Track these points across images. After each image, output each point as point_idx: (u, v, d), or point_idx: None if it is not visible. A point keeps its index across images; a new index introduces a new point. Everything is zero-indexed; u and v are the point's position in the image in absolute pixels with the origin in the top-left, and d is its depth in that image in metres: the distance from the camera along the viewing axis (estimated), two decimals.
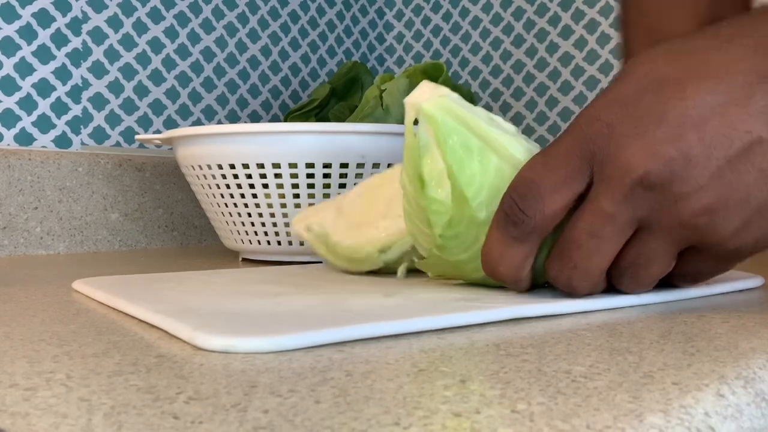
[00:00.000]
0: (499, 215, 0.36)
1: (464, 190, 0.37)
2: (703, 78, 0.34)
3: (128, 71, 0.88)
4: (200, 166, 0.64)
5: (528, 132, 1.07)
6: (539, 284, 0.40)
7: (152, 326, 0.32)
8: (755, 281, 0.45)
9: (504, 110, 1.09)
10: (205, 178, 0.64)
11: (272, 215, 0.62)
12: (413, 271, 0.47)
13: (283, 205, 0.62)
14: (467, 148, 0.37)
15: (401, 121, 0.65)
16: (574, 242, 0.35)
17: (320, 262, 0.63)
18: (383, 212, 0.48)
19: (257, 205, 0.62)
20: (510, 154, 0.37)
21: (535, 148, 0.39)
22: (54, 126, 0.82)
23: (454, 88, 0.72)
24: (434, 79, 0.71)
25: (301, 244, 0.63)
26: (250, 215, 0.63)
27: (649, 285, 0.37)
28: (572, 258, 0.35)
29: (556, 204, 0.35)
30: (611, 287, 0.38)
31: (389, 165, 0.62)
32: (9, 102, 0.78)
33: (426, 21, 1.18)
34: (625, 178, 0.34)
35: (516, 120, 1.08)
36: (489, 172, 0.37)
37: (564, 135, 0.36)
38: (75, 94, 0.83)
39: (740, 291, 0.44)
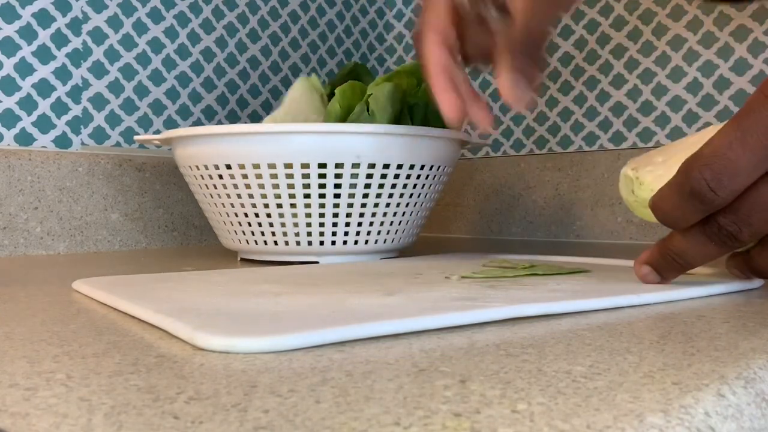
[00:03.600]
0: (683, 185, 0.36)
1: None
2: None
3: (128, 71, 0.88)
4: (197, 167, 0.64)
5: (528, 132, 1.07)
6: None
7: (152, 326, 0.32)
8: (755, 282, 0.45)
9: (504, 110, 1.09)
10: (203, 178, 0.64)
11: (269, 215, 0.62)
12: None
13: (279, 206, 0.62)
14: None
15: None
16: (757, 217, 0.36)
17: (318, 262, 0.63)
18: None
19: (254, 205, 0.62)
20: None
21: None
22: (54, 126, 0.82)
23: None
24: (420, 79, 0.70)
25: (298, 243, 0.63)
26: (246, 215, 0.63)
27: None
28: (753, 223, 0.36)
29: (748, 182, 0.35)
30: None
31: (385, 165, 0.62)
32: (9, 102, 0.78)
33: None
34: None
35: (516, 120, 1.08)
36: None
37: (762, 104, 0.34)
38: (75, 94, 0.83)
39: (740, 291, 0.44)
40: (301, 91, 0.67)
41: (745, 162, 0.34)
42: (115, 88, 0.87)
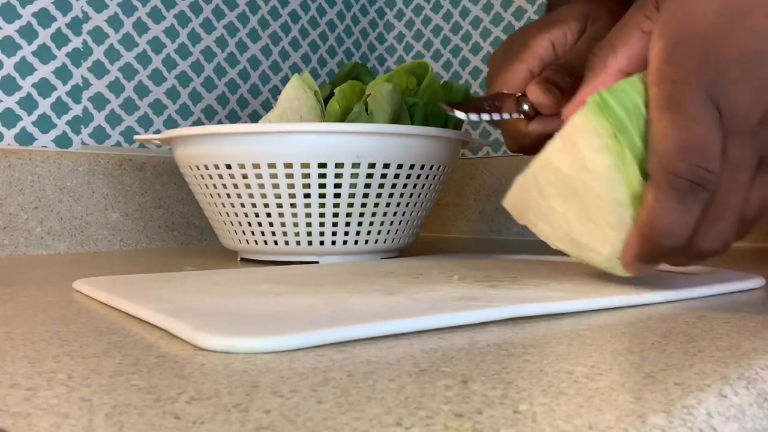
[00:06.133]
0: (675, 186, 0.34)
1: None
2: None
3: (128, 71, 0.88)
4: (198, 166, 0.64)
5: None
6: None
7: (153, 326, 0.32)
8: (756, 282, 0.45)
9: None
10: (203, 178, 0.64)
11: (269, 215, 0.62)
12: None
13: (279, 205, 0.62)
14: None
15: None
16: (723, 202, 0.35)
17: (318, 262, 0.63)
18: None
19: (254, 205, 0.62)
20: None
21: None
22: (54, 126, 0.82)
23: (445, 86, 0.72)
24: (420, 78, 0.70)
25: (298, 243, 0.63)
26: (246, 215, 0.63)
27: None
28: (726, 218, 0.35)
29: (720, 144, 0.34)
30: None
31: (385, 165, 0.62)
32: (9, 102, 0.78)
33: (426, 21, 1.18)
34: (748, 124, 0.34)
35: None
36: None
37: (673, 84, 0.34)
38: (75, 93, 0.83)
39: (741, 291, 0.44)
40: (294, 90, 0.67)
41: (708, 132, 0.34)
42: (116, 87, 0.87)
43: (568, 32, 0.48)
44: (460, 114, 0.47)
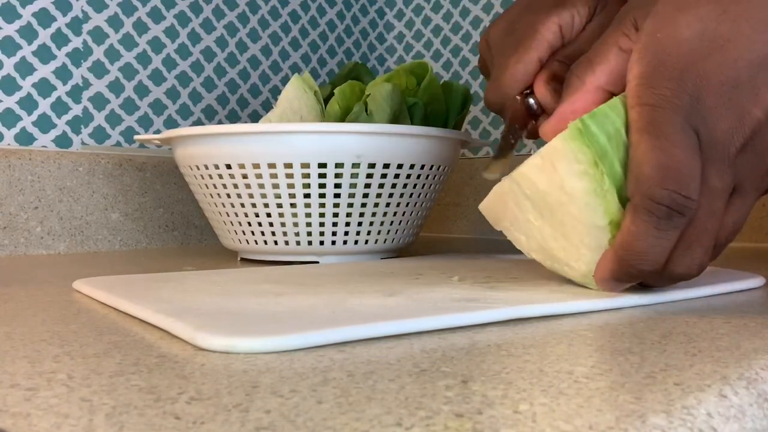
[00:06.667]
0: (653, 211, 0.34)
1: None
2: (756, 29, 0.34)
3: (129, 71, 0.88)
4: (197, 166, 0.64)
5: None
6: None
7: (153, 326, 0.32)
8: (756, 281, 0.45)
9: None
10: (203, 178, 0.64)
11: (269, 215, 0.62)
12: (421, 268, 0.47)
13: (279, 205, 0.62)
14: None
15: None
16: (700, 228, 0.35)
17: (318, 262, 0.63)
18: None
19: (254, 205, 0.62)
20: None
21: None
22: (54, 126, 0.82)
23: (445, 86, 0.72)
24: (420, 78, 0.70)
25: (298, 243, 0.63)
26: (246, 215, 0.63)
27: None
28: (703, 243, 0.35)
29: (700, 171, 0.34)
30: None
31: (385, 165, 0.62)
32: (9, 102, 0.78)
33: (426, 21, 1.18)
34: (727, 152, 0.34)
35: None
36: None
37: (652, 107, 0.34)
38: (75, 93, 0.83)
39: (741, 291, 0.44)
40: (294, 90, 0.67)
41: (687, 158, 0.34)
42: (116, 87, 0.87)
43: (576, 16, 0.47)
44: (503, 171, 0.48)
